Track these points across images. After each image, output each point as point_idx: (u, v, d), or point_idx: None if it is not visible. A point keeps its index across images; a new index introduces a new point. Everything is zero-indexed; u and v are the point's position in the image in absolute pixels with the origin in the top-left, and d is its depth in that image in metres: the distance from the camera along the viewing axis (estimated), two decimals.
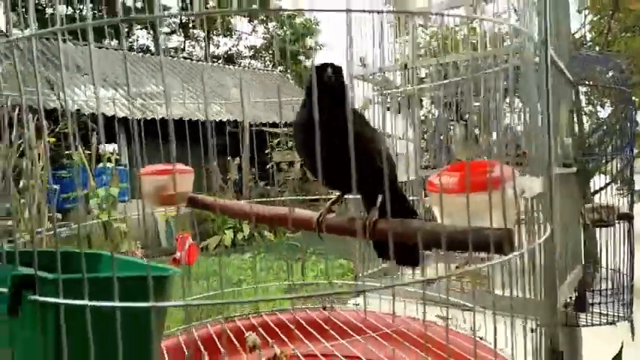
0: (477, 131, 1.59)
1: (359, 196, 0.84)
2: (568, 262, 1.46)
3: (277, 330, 1.03)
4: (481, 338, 0.93)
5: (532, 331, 0.77)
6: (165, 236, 7.76)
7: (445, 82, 1.57)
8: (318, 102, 0.62)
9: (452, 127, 1.61)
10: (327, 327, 1.04)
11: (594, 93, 3.22)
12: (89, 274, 0.53)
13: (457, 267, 1.51)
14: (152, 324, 0.51)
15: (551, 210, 0.75)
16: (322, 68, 0.71)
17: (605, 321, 1.83)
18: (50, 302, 0.48)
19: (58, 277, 0.48)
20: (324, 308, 1.16)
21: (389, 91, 1.60)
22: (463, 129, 1.51)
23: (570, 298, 1.78)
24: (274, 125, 8.84)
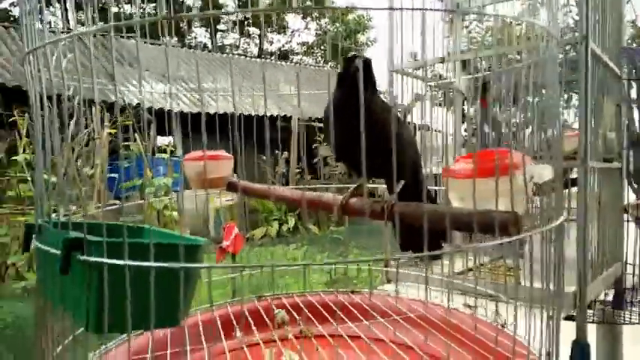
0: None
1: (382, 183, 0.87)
2: (605, 257, 1.43)
3: (306, 310, 1.08)
4: (503, 326, 0.95)
5: (549, 318, 0.78)
6: (213, 225, 8.02)
7: (472, 76, 1.56)
8: (346, 90, 0.69)
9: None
10: (353, 309, 1.09)
11: None
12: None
13: (482, 264, 1.51)
14: (181, 284, 0.58)
15: (585, 205, 0.75)
16: (351, 59, 0.74)
17: None
18: (96, 262, 0.56)
19: (103, 240, 0.56)
20: (353, 292, 1.20)
21: (434, 84, 1.61)
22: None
23: (606, 294, 1.73)
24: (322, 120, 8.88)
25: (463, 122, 1.99)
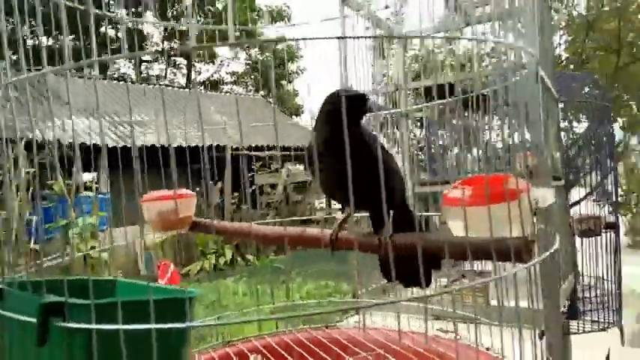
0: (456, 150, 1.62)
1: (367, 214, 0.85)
2: (561, 271, 1.49)
3: (281, 351, 1.02)
4: (488, 349, 0.94)
5: (540, 338, 0.78)
6: (144, 263, 7.63)
7: (443, 101, 1.60)
8: (339, 127, 0.65)
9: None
10: (331, 345, 1.04)
11: (570, 109, 3.33)
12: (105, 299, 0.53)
13: (453, 281, 1.52)
14: (185, 344, 0.51)
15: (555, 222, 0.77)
16: (356, 100, 0.73)
17: (597, 327, 1.87)
18: (81, 328, 0.48)
19: (90, 303, 0.48)
20: (327, 327, 1.16)
21: (385, 112, 1.63)
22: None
23: (563, 306, 1.80)
24: (258, 149, 8.85)
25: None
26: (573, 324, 1.84)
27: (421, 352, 0.94)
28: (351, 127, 0.63)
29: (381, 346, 0.99)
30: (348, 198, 0.75)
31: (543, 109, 1.17)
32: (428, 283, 0.77)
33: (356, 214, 0.88)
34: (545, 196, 0.62)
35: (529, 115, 0.71)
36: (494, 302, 1.17)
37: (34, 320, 0.48)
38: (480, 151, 1.52)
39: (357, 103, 0.72)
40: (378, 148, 0.66)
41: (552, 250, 0.68)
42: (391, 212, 0.76)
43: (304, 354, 1.01)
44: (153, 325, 0.47)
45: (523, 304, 0.94)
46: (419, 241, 0.63)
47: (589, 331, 1.85)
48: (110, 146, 7.97)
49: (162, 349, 0.48)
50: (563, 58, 6.15)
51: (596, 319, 1.88)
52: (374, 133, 0.84)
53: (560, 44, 5.69)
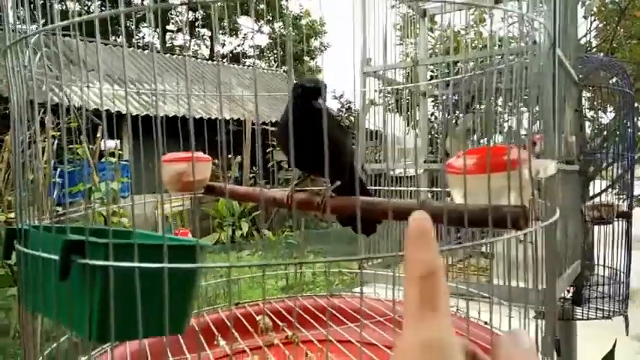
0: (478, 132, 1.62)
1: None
2: (567, 256, 1.50)
3: (287, 315, 1.06)
4: (486, 323, 0.96)
5: (535, 318, 0.80)
6: (163, 232, 7.78)
7: (452, 78, 1.60)
8: (305, 115, 0.83)
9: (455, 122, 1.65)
10: (335, 312, 1.08)
11: (597, 98, 3.25)
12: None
13: (460, 260, 1.54)
14: (195, 284, 0.55)
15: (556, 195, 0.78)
16: (311, 92, 0.86)
17: (602, 315, 1.87)
18: (100, 265, 0.52)
19: (109, 242, 0.52)
20: (331, 296, 1.19)
21: (394, 87, 1.63)
22: (466, 121, 1.53)
23: (568, 291, 1.81)
24: (276, 124, 8.85)
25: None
26: (578, 310, 1.86)
27: None
28: (307, 110, 0.81)
29: (380, 314, 1.02)
30: (302, 165, 0.94)
31: (559, 90, 1.17)
32: (369, 233, 1.06)
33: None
34: (547, 166, 0.63)
35: (540, 93, 0.72)
36: (497, 282, 1.19)
37: (56, 257, 0.53)
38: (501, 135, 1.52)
39: (313, 91, 0.85)
40: (325, 126, 0.76)
41: (551, 221, 0.70)
42: (337, 182, 0.91)
43: (308, 318, 1.05)
44: (166, 265, 0.51)
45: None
46: (350, 203, 0.79)
47: (593, 318, 1.86)
48: (133, 114, 8.07)
49: (173, 287, 0.52)
50: (593, 45, 5.98)
51: (602, 307, 1.89)
52: (337, 116, 0.98)
53: (590, 31, 5.52)
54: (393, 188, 1.45)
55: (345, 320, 1.05)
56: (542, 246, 0.82)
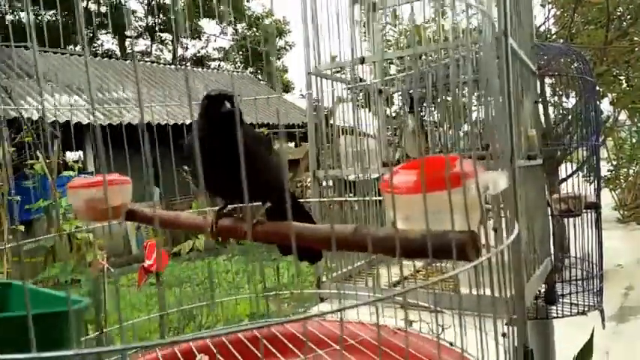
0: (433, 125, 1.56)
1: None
2: (537, 255, 1.43)
3: (232, 349, 0.96)
4: (451, 344, 0.88)
5: (503, 335, 0.72)
6: (136, 243, 7.58)
7: (404, 74, 1.53)
8: (213, 127, 0.74)
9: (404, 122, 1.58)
10: (288, 343, 0.98)
11: (559, 84, 3.26)
12: None
13: (418, 271, 1.46)
14: None
15: (516, 206, 0.71)
16: (217, 100, 0.77)
17: (577, 311, 1.82)
18: None
19: None
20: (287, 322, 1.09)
21: (353, 86, 1.55)
22: (413, 122, 1.47)
23: (539, 291, 1.75)
24: (251, 126, 8.67)
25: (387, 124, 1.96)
26: (552, 308, 1.80)
27: (375, 344, 0.88)
28: (215, 119, 0.72)
29: (334, 339, 0.93)
30: (216, 190, 0.84)
31: (514, 81, 1.10)
32: (315, 260, 0.97)
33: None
34: (497, 180, 0.54)
35: (486, 86, 0.64)
36: (464, 290, 1.11)
37: None
38: (464, 129, 1.45)
39: (220, 98, 0.76)
40: (254, 146, 0.74)
41: (511, 240, 0.61)
42: (267, 204, 0.83)
43: (255, 351, 0.95)
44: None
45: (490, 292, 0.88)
46: (281, 229, 0.71)
47: (568, 315, 1.81)
48: (95, 124, 7.78)
49: None
50: (552, 32, 6.04)
51: (576, 302, 1.84)
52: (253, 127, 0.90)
53: (548, 19, 5.57)
54: (348, 199, 1.36)
55: (295, 350, 0.95)
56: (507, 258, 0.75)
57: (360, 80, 1.71)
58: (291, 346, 0.95)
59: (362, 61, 1.33)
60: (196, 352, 0.97)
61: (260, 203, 0.83)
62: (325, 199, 1.36)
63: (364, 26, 1.90)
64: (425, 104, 1.59)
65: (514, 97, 1.21)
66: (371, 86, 1.60)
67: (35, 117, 6.57)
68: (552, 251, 1.94)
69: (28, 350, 0.39)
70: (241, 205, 0.94)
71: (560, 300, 1.82)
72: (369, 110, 1.82)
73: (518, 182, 1.10)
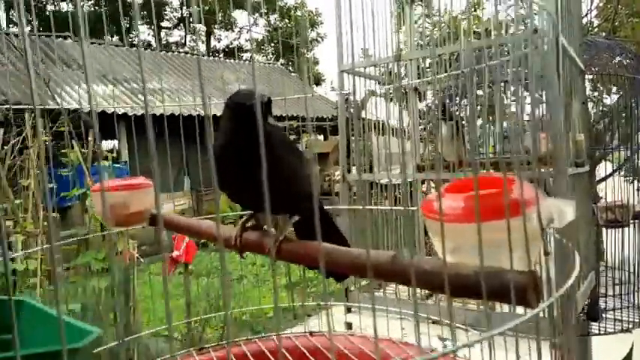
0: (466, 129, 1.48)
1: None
2: (582, 270, 1.34)
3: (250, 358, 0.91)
4: None
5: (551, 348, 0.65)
6: (165, 233, 7.68)
7: (443, 75, 1.45)
8: (239, 130, 0.68)
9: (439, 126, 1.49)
10: (308, 354, 0.93)
11: (601, 80, 3.10)
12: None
13: None
14: None
15: (577, 234, 0.63)
16: (242, 106, 0.70)
17: (620, 328, 1.71)
18: None
19: None
20: (311, 334, 1.04)
21: (388, 86, 1.48)
22: (449, 127, 1.39)
23: (582, 307, 1.65)
24: (280, 119, 8.70)
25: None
26: (594, 325, 1.69)
27: None
28: (247, 130, 0.65)
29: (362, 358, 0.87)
30: (245, 201, 0.78)
31: (564, 81, 1.01)
32: (339, 279, 0.91)
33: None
34: (564, 210, 0.46)
35: (544, 88, 0.57)
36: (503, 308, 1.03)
37: None
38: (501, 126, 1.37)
39: (245, 98, 0.69)
40: (284, 152, 0.68)
41: (572, 280, 0.52)
42: (295, 217, 0.77)
43: None
44: None
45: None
46: (308, 251, 0.64)
47: (611, 332, 1.69)
48: (130, 114, 7.90)
49: None
50: (595, 25, 5.79)
51: (620, 318, 1.72)
52: (284, 132, 0.81)
53: (591, 10, 5.32)
54: (380, 207, 1.29)
55: None
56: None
57: (391, 75, 1.64)
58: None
59: (398, 58, 1.26)
60: None
61: (287, 215, 0.77)
62: (355, 207, 1.29)
63: (399, 20, 1.82)
64: (460, 103, 1.51)
65: (564, 98, 1.12)
66: (406, 85, 1.53)
67: (73, 107, 6.71)
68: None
69: None
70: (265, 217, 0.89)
71: (603, 315, 1.71)
72: (403, 107, 1.75)
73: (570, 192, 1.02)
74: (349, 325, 1.21)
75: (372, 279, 0.48)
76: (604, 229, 1.89)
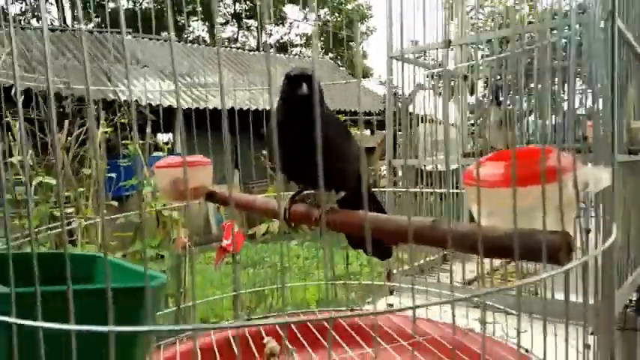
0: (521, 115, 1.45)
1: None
2: (631, 259, 1.30)
3: (299, 335, 0.95)
4: (527, 350, 0.82)
5: (586, 347, 0.66)
6: (215, 223, 7.91)
7: (490, 59, 1.43)
8: (292, 109, 0.72)
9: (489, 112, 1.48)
10: (353, 333, 0.96)
11: None
12: (78, 280, 0.47)
13: (495, 270, 1.37)
14: (134, 349, 0.44)
15: (614, 207, 0.63)
16: (296, 82, 0.75)
17: None
18: (3, 320, 0.41)
19: (10, 291, 0.41)
20: (352, 310, 1.07)
21: (435, 71, 1.48)
22: (498, 113, 1.37)
23: (630, 300, 1.59)
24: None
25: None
26: None
27: (444, 344, 0.83)
28: (292, 102, 0.69)
29: (406, 337, 0.90)
30: (292, 174, 0.82)
31: (619, 67, 0.98)
32: (383, 257, 0.90)
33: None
34: (599, 177, 0.47)
35: (592, 72, 0.57)
36: (547, 294, 1.02)
37: None
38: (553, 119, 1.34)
39: (298, 79, 0.74)
40: (333, 132, 0.70)
41: (607, 246, 0.54)
42: (341, 193, 0.81)
43: (322, 340, 0.94)
44: (72, 327, 0.39)
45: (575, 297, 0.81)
46: (353, 219, 0.66)
47: None
48: (184, 108, 8.18)
49: (92, 354, 0.40)
50: None
51: None
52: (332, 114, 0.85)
53: None
54: (423, 190, 1.30)
55: (361, 342, 0.92)
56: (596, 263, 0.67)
57: (441, 66, 1.63)
58: (358, 338, 0.93)
59: (448, 44, 1.26)
60: (264, 334, 0.97)
61: (334, 191, 0.81)
62: (399, 189, 1.31)
63: (450, 8, 1.81)
64: (510, 92, 1.48)
65: (618, 85, 1.09)
66: (455, 72, 1.52)
67: (132, 100, 7.00)
68: None
69: (106, 323, 0.40)
70: (315, 192, 0.93)
71: None
72: (451, 98, 1.74)
73: (617, 179, 1.00)
74: (390, 306, 1.24)
75: (413, 243, 0.50)
76: None
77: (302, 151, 0.65)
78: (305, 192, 0.86)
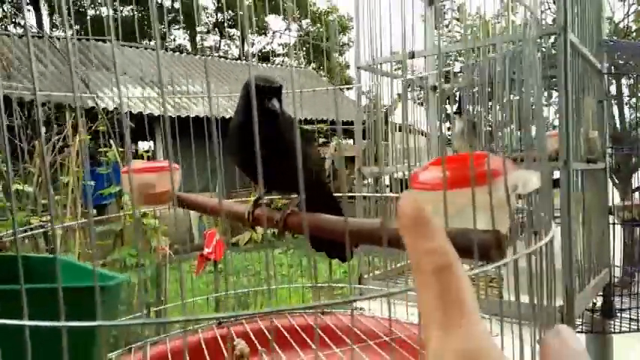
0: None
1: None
2: (593, 264, 1.35)
3: (270, 337, 0.98)
4: None
5: (539, 342, 0.69)
6: (198, 231, 7.86)
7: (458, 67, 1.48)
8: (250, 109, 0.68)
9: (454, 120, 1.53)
10: (323, 334, 0.99)
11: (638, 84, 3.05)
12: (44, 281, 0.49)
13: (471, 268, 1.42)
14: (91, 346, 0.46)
15: (552, 208, 0.68)
16: (264, 94, 0.76)
17: (636, 327, 1.69)
18: None
19: None
20: (323, 313, 1.10)
21: (404, 79, 1.52)
22: (461, 122, 1.43)
23: (594, 304, 1.65)
24: (310, 122, 8.81)
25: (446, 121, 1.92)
26: (610, 322, 1.69)
27: (412, 345, 0.87)
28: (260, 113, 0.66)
29: (373, 337, 0.93)
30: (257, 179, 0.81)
31: (572, 80, 1.04)
32: (343, 259, 0.91)
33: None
34: (528, 179, 0.52)
35: (525, 84, 0.62)
36: (507, 296, 1.07)
37: None
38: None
39: (268, 91, 0.76)
40: (293, 137, 0.67)
41: (542, 244, 0.58)
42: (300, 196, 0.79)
43: (292, 342, 0.97)
44: (26, 322, 0.41)
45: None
46: (309, 220, 0.68)
47: (626, 331, 1.68)
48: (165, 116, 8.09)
49: (51, 346, 0.42)
50: (633, 30, 5.66)
51: (636, 317, 1.71)
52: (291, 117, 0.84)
53: (628, 15, 5.22)
54: (389, 195, 1.34)
55: (329, 343, 0.95)
56: (549, 260, 0.71)
57: (413, 74, 1.68)
58: (326, 338, 0.96)
59: (412, 55, 1.31)
60: (234, 337, 1.00)
61: (295, 195, 0.84)
62: (365, 194, 1.36)
63: (425, 21, 1.86)
64: (474, 103, 1.54)
65: (572, 97, 1.15)
66: (423, 81, 1.57)
67: (111, 107, 6.98)
68: (621, 263, 1.82)
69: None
70: (277, 197, 0.96)
71: (619, 314, 1.70)
72: (425, 107, 1.79)
73: (572, 186, 1.05)
74: (361, 310, 1.27)
75: (363, 243, 0.53)
76: (637, 233, 1.88)
77: (268, 160, 0.66)
78: (267, 197, 0.90)
